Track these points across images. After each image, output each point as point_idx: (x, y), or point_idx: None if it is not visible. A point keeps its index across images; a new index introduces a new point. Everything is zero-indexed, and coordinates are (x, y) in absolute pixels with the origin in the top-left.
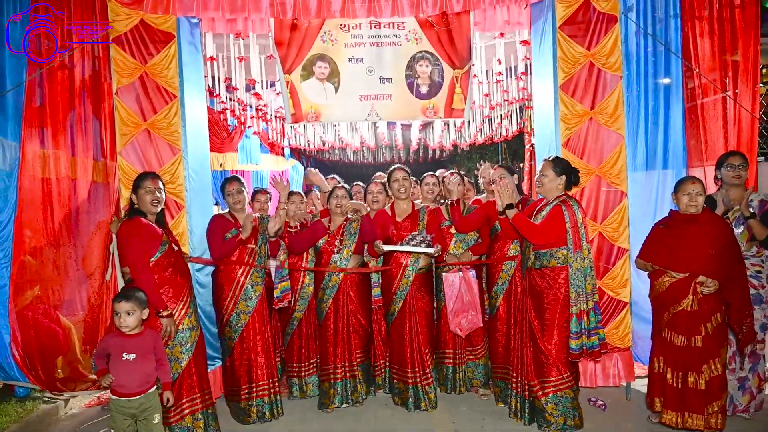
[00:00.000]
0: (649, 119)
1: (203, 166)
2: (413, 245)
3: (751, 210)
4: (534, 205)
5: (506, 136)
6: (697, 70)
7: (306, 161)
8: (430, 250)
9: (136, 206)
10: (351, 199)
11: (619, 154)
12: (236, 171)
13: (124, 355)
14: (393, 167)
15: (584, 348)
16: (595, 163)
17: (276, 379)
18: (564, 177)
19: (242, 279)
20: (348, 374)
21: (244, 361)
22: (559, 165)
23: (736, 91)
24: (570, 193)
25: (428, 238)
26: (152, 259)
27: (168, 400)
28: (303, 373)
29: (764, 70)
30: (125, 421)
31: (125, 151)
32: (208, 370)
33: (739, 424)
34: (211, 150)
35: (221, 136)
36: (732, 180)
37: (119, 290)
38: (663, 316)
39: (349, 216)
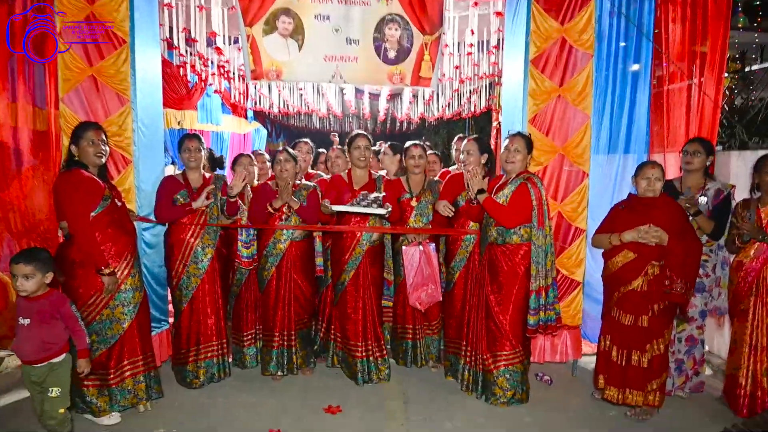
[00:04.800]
0: (615, 102)
1: (155, 120)
2: (364, 206)
3: (704, 199)
4: (494, 183)
5: (474, 112)
6: (667, 54)
7: (271, 126)
8: (382, 211)
9: (76, 158)
10: (296, 164)
11: (584, 133)
12: (195, 130)
13: (20, 319)
14: (355, 133)
15: (540, 323)
16: (560, 142)
17: (225, 341)
18: (530, 154)
19: (192, 241)
20: (285, 343)
21: (193, 322)
22: (530, 141)
23: (702, 79)
24: (528, 170)
25: (380, 198)
26: (92, 214)
27: (83, 370)
28: (242, 343)
29: (729, 63)
30: (34, 389)
31: (68, 98)
32: (154, 333)
33: (676, 403)
34: (168, 106)
35: (180, 92)
36: (685, 166)
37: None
38: (613, 295)
39: (297, 183)
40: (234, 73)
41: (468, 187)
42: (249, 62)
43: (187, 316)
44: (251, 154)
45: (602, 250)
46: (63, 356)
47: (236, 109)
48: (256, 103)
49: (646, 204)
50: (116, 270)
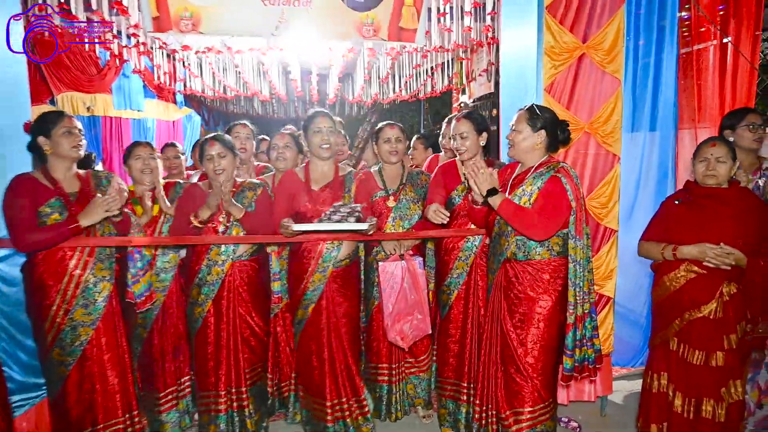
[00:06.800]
0: (638, 68)
1: (12, 98)
2: (336, 221)
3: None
4: (504, 175)
5: (434, 92)
6: (696, 3)
7: (207, 112)
8: (363, 226)
9: None
10: (236, 156)
11: (614, 104)
12: (111, 118)
13: None
14: (314, 111)
15: (576, 365)
16: (585, 116)
17: (136, 412)
18: (543, 133)
19: (78, 273)
20: (235, 404)
21: (85, 393)
22: (537, 116)
23: (729, 38)
24: (556, 157)
25: (358, 209)
26: None
27: None
28: (158, 408)
29: None
30: None
31: None
32: (23, 410)
33: None
34: (74, 89)
35: (89, 72)
36: (752, 144)
37: None
38: (673, 323)
39: (239, 180)
40: (153, 47)
41: (469, 184)
42: (150, 6)
43: (76, 383)
44: (150, 144)
45: (650, 261)
46: None
47: (162, 93)
48: (185, 85)
49: (710, 196)
50: None
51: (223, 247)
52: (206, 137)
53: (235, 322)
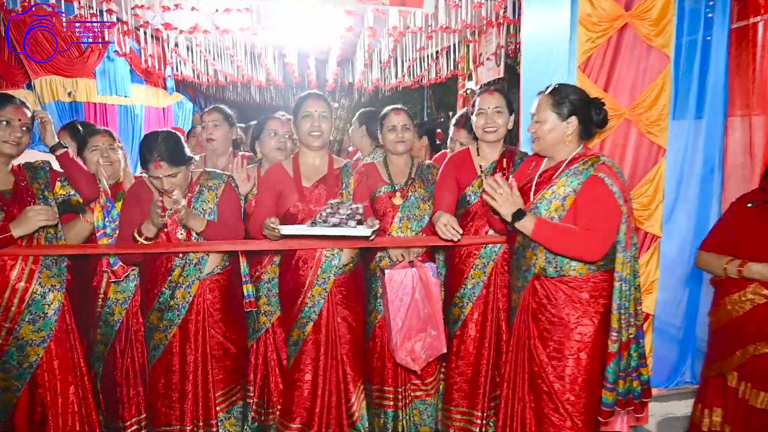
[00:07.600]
0: (683, 45)
1: None
2: (334, 224)
3: None
4: (524, 172)
5: (439, 77)
6: None
7: (203, 100)
8: (364, 232)
9: None
10: (186, 164)
11: (662, 86)
12: (95, 104)
13: None
14: (306, 93)
15: (619, 398)
16: (626, 100)
17: None
18: (574, 120)
19: (23, 285)
20: None
21: (35, 425)
22: (563, 99)
23: None
24: (592, 149)
25: (360, 211)
26: None
27: None
28: None
29: None
30: None
31: None
32: None
33: None
34: (53, 72)
35: (70, 55)
36: None
37: None
38: (733, 355)
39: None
40: (132, 25)
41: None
42: None
43: (25, 415)
44: (110, 132)
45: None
46: None
47: (151, 77)
48: (174, 70)
49: None
50: None
51: (188, 267)
52: (147, 153)
53: (205, 347)
